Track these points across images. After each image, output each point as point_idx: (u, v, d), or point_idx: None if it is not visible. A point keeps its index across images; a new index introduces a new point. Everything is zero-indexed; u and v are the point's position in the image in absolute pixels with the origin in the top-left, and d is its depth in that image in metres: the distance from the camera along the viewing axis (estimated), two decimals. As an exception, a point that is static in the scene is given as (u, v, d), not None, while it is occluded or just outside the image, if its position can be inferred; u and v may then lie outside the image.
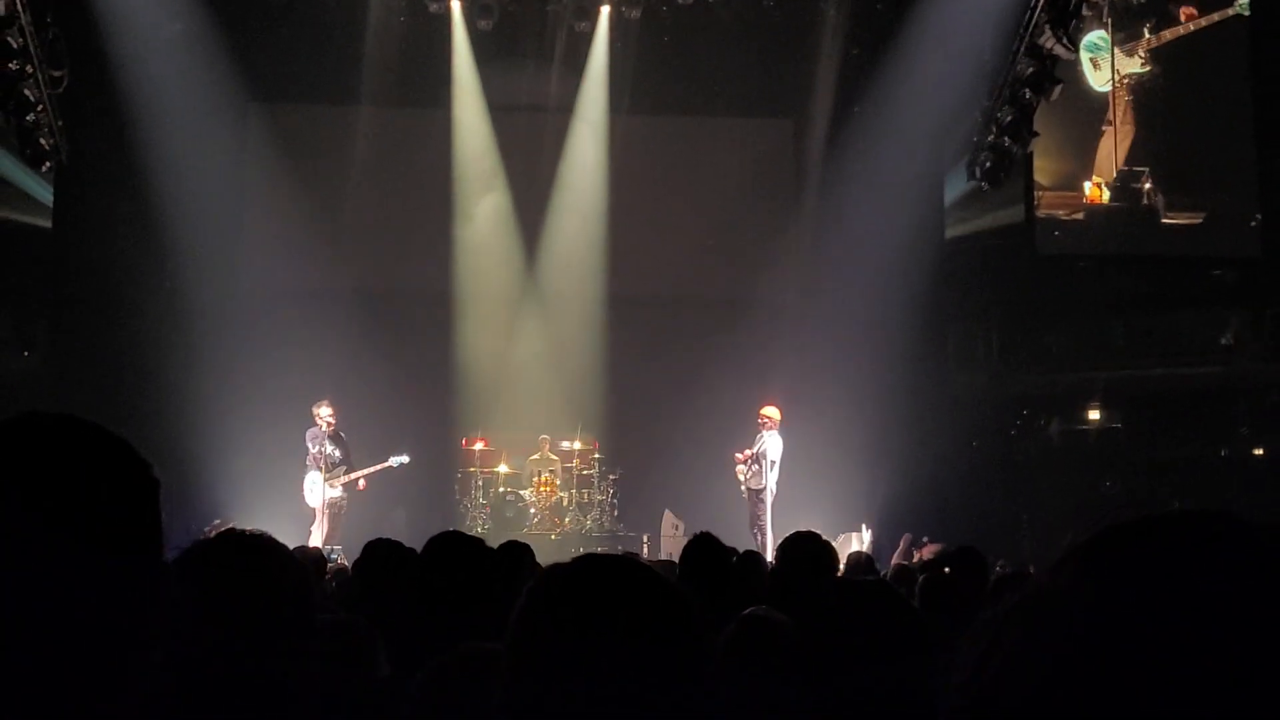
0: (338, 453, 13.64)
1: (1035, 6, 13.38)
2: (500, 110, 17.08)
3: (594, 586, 1.49)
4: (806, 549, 4.81)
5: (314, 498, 13.43)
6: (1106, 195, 16.85)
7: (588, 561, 1.54)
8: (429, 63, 16.76)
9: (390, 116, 16.94)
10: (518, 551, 5.72)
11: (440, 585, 3.58)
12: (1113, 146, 16.81)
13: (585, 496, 15.85)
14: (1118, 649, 0.73)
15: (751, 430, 14.10)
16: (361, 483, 13.84)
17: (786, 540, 4.98)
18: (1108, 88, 16.81)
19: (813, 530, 5.08)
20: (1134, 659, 0.72)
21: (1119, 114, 16.85)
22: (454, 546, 3.75)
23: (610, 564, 1.54)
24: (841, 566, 6.84)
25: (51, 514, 1.13)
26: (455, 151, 17.14)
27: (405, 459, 13.97)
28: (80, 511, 1.15)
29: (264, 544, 2.20)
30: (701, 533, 5.40)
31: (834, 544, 5.52)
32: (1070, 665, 0.73)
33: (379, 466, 13.92)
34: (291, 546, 6.80)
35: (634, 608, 1.46)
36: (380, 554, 5.72)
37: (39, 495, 1.14)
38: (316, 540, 12.70)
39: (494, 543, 5.98)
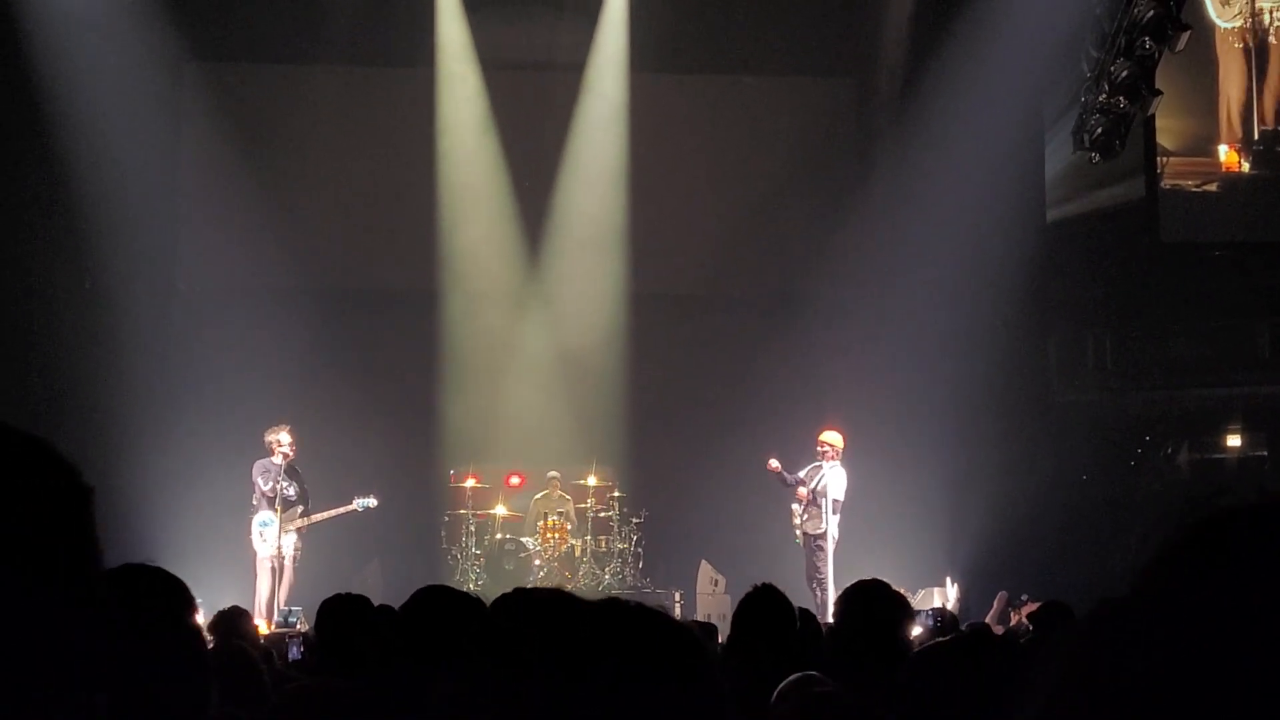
0: (293, 490, 13.52)
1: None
2: (496, 69, 17.11)
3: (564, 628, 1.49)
4: (872, 601, 4.77)
5: (267, 545, 13.27)
6: (1246, 164, 16.78)
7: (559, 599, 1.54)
8: (406, 10, 16.81)
9: (359, 78, 17.02)
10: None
11: (423, 647, 3.62)
12: (1253, 100, 16.72)
13: (602, 545, 15.83)
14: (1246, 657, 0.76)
15: (808, 461, 14.04)
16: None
17: (849, 590, 4.95)
18: (1239, 23, 16.72)
19: (880, 579, 5.04)
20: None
21: (1260, 58, 16.73)
22: (440, 602, 3.79)
23: (588, 607, 1.54)
24: (917, 629, 6.81)
25: None
26: (440, 120, 17.17)
27: (372, 502, 13.86)
28: None
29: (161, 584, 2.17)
30: (762, 584, 5.36)
31: (913, 600, 5.50)
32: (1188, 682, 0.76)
33: (341, 510, 13.81)
34: (233, 604, 6.80)
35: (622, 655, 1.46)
36: (343, 613, 5.70)
37: None
38: (263, 596, 12.67)
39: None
